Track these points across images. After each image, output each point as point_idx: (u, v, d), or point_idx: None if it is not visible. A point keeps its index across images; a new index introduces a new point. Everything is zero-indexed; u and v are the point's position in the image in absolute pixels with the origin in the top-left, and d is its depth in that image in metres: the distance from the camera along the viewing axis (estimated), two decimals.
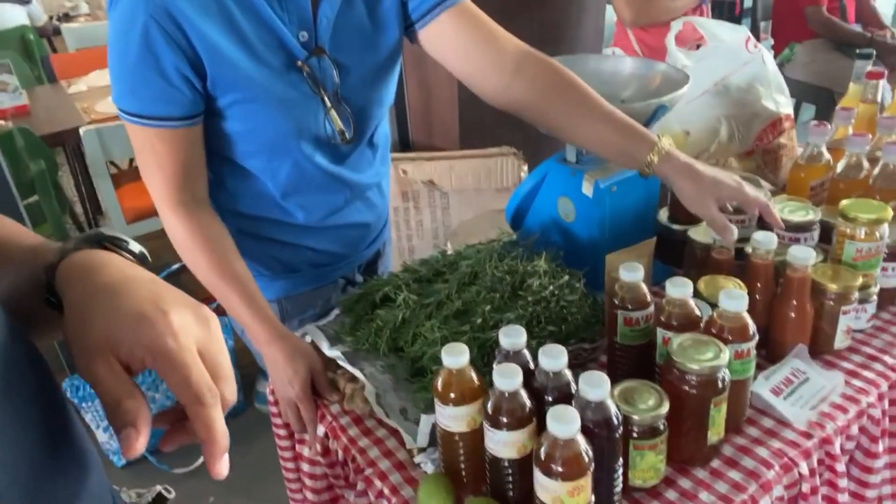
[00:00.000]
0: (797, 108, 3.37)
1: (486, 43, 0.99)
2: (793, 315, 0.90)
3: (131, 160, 2.93)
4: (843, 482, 0.84)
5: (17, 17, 3.84)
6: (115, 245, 0.53)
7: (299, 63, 0.94)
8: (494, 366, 0.71)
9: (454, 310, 0.96)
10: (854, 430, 0.86)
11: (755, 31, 3.21)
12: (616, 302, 0.87)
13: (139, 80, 0.88)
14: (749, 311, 0.80)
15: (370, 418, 0.92)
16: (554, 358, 0.71)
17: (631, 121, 0.96)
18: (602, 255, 1.07)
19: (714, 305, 0.87)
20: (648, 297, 0.86)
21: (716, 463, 0.79)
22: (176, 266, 1.93)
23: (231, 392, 0.46)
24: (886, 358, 0.94)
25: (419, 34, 1.02)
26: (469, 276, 1.01)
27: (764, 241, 0.91)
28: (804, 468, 0.79)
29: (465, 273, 1.01)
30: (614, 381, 0.93)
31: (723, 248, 0.97)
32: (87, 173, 2.83)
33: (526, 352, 0.77)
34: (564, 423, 0.61)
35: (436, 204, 2.19)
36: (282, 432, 1.04)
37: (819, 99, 3.03)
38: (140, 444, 0.41)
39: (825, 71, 2.96)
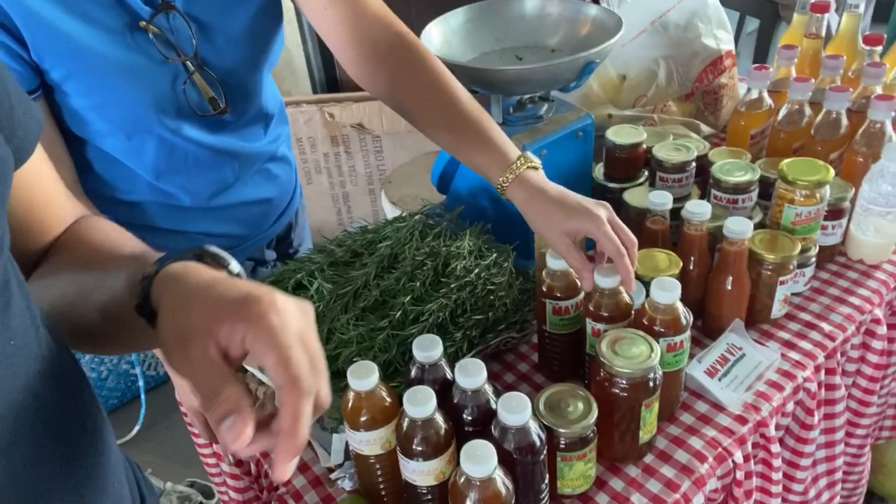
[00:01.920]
0: (741, 22, 3.28)
1: (356, 22, 0.84)
2: (729, 289, 0.86)
3: None
4: (777, 462, 0.82)
5: None
6: (216, 262, 0.50)
7: (143, 23, 0.78)
8: (405, 390, 0.63)
9: (372, 300, 0.87)
10: (789, 406, 0.84)
11: None
12: (544, 290, 0.80)
13: None
14: (683, 283, 0.74)
15: None
16: (472, 376, 0.64)
17: (492, 133, 0.82)
18: None
19: (647, 284, 0.81)
20: (578, 284, 0.79)
21: (649, 458, 0.76)
22: None
23: (326, 393, 0.42)
24: (823, 325, 0.90)
25: None
26: (388, 258, 0.92)
27: (697, 212, 0.85)
28: (738, 457, 0.76)
29: (384, 255, 0.92)
30: (545, 367, 0.89)
31: (658, 217, 0.91)
32: None
33: (443, 363, 0.70)
34: (479, 462, 0.55)
35: (368, 148, 2.06)
36: (197, 430, 0.97)
37: (763, 11, 2.93)
38: (249, 431, 0.38)
39: None
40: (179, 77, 0.83)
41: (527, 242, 0.99)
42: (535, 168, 0.81)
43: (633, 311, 0.77)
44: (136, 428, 1.89)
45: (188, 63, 0.82)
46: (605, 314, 0.75)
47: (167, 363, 0.45)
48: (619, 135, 1.06)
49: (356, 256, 0.96)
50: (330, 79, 2.20)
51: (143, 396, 1.85)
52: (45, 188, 0.54)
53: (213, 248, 0.51)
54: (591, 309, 0.77)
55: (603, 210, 0.76)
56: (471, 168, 0.85)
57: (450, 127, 0.84)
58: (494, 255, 0.92)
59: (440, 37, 1.02)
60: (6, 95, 0.46)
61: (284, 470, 0.40)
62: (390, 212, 1.76)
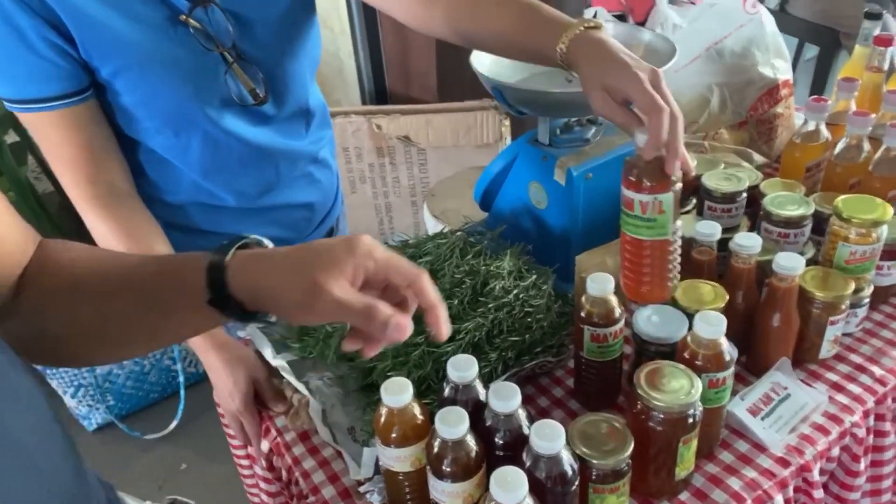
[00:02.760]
0: (799, 48, 3.20)
1: None
2: (777, 325, 0.83)
3: None
4: None
5: None
6: (260, 247, 0.58)
7: (183, 17, 0.81)
8: (438, 409, 0.63)
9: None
10: (835, 451, 0.80)
11: None
12: (583, 315, 0.79)
13: (9, 62, 0.77)
14: (728, 317, 0.72)
15: (317, 434, 0.85)
16: (505, 399, 0.64)
17: (551, 12, 0.78)
18: (575, 246, 0.99)
19: (691, 316, 0.79)
20: (617, 312, 0.78)
21: (684, 495, 0.74)
22: None
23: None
24: (874, 368, 0.87)
25: None
26: (428, 273, 0.92)
27: (746, 245, 0.83)
28: (779, 501, 0.74)
29: None
30: (580, 394, 0.87)
31: (704, 248, 0.89)
32: None
33: (478, 384, 0.69)
34: (509, 490, 0.55)
35: (412, 160, 2.08)
36: (232, 432, 0.98)
37: (823, 39, 2.86)
38: (410, 324, 0.53)
39: (831, 9, 2.79)
40: (220, 69, 0.86)
41: (567, 265, 0.98)
42: (597, 27, 0.75)
43: (675, 184, 0.72)
44: (175, 423, 1.92)
45: (227, 54, 0.86)
46: (648, 183, 0.71)
47: (297, 319, 0.52)
48: None
49: None
50: (379, 91, 2.22)
51: (182, 392, 1.89)
52: None
53: (254, 236, 0.57)
54: (632, 180, 0.72)
55: (647, 70, 0.70)
56: (532, 58, 0.82)
57: (505, 19, 0.80)
58: (534, 276, 0.91)
59: (489, 57, 1.02)
60: None
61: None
62: (432, 225, 1.77)
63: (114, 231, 0.85)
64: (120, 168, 0.87)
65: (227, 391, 0.86)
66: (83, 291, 0.54)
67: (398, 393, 0.65)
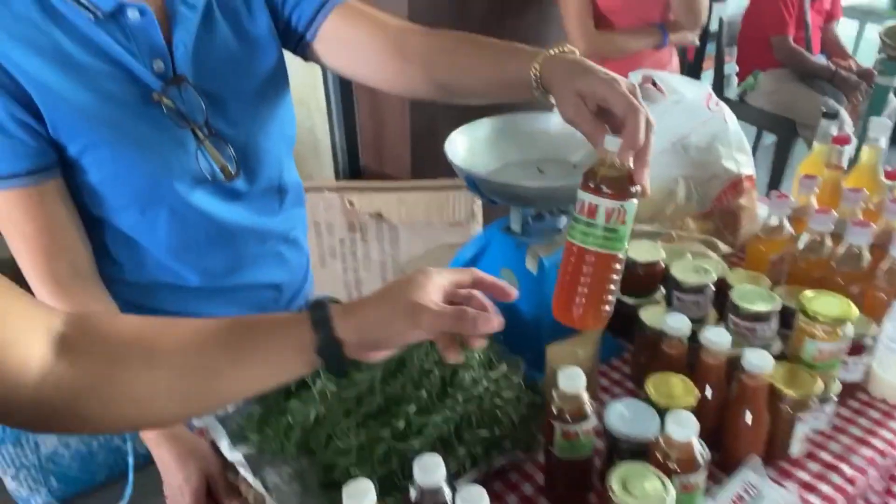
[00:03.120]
0: (758, 137, 3.35)
1: (375, 29, 0.91)
2: (747, 423, 0.82)
3: None
4: None
5: None
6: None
7: (155, 95, 0.81)
8: None
9: (375, 406, 0.85)
10: None
11: (720, 56, 3.17)
12: (554, 412, 0.77)
13: None
14: (699, 412, 0.72)
15: None
16: None
17: (519, 45, 0.81)
18: (546, 335, 0.98)
19: (661, 412, 0.78)
20: (589, 409, 0.76)
21: None
22: None
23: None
24: (844, 467, 0.86)
25: (313, 45, 0.94)
26: (396, 362, 0.90)
27: (715, 340, 0.83)
28: None
29: (391, 360, 0.90)
30: (551, 491, 0.85)
31: (675, 342, 0.89)
32: None
33: (445, 487, 0.66)
34: None
35: (384, 237, 2.08)
36: None
37: (781, 129, 3.01)
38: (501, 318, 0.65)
39: (788, 101, 2.94)
40: (191, 145, 0.85)
41: (538, 353, 0.97)
42: (571, 52, 0.77)
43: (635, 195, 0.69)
44: None
45: (198, 131, 0.85)
46: (611, 191, 0.68)
47: (406, 338, 0.62)
48: (638, 251, 1.06)
49: None
50: (353, 167, 2.25)
51: (130, 475, 1.78)
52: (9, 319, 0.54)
53: (330, 295, 0.66)
54: (595, 186, 0.68)
55: (623, 80, 0.70)
56: (510, 91, 0.82)
57: (483, 59, 0.84)
58: (504, 366, 0.90)
59: (464, 145, 1.04)
60: None
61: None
62: None
63: None
64: (82, 248, 0.85)
65: (177, 486, 0.82)
66: (158, 354, 0.59)
67: (360, 499, 0.62)
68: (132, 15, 0.79)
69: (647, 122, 0.68)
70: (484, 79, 0.86)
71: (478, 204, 2.03)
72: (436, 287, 0.63)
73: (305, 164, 2.43)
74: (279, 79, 0.96)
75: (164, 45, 0.82)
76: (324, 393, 0.86)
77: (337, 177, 2.26)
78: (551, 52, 0.76)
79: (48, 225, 0.81)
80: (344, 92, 2.10)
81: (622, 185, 0.69)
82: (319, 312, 0.61)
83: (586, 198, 0.69)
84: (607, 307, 0.74)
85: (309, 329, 0.60)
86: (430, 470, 0.65)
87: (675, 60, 2.07)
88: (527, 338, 1.00)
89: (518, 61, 0.78)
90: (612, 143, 0.68)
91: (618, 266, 0.73)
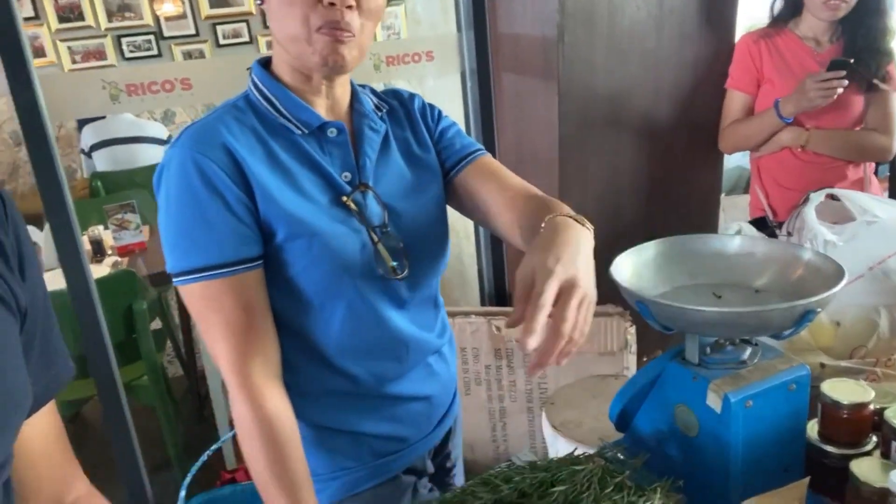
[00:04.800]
0: None
1: (505, 188, 1.00)
2: None
3: None
4: None
5: (156, 156, 4.21)
6: None
7: (345, 198, 0.93)
8: None
9: None
10: None
11: None
12: None
13: (207, 227, 0.85)
14: None
15: None
16: None
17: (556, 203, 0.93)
18: (735, 484, 0.85)
19: None
20: None
21: None
22: None
23: None
24: None
25: (454, 184, 1.05)
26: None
27: None
28: None
29: (557, 503, 0.81)
30: None
31: None
32: None
33: None
34: None
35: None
36: None
37: None
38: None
39: None
40: (368, 245, 0.94)
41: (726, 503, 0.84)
42: (580, 221, 0.85)
43: None
44: None
45: (373, 233, 0.95)
46: None
47: None
48: (839, 391, 0.91)
49: (524, 497, 0.86)
50: (499, 293, 2.24)
51: None
52: (48, 446, 0.61)
53: None
54: None
55: (560, 273, 0.73)
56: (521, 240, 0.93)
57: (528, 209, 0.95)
58: None
59: (630, 268, 0.99)
60: (33, 340, 0.54)
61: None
62: (550, 435, 1.64)
63: (257, 420, 0.87)
64: (274, 346, 0.91)
65: None
66: None
67: None
68: (331, 132, 0.94)
69: (557, 333, 0.75)
70: (527, 232, 0.93)
71: (631, 332, 1.93)
72: None
73: (451, 289, 2.47)
74: (442, 204, 1.05)
75: (353, 158, 0.96)
76: None
77: (482, 303, 2.26)
78: (556, 214, 0.86)
79: (253, 315, 0.88)
80: None
81: None
82: None
83: None
84: None
85: None
86: None
87: (875, 182, 1.91)
88: (711, 484, 0.87)
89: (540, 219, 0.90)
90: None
91: None
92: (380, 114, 1.02)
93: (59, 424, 0.63)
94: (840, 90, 1.62)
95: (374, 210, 0.96)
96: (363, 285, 0.95)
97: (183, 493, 1.78)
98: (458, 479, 1.21)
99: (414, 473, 1.07)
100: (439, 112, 1.09)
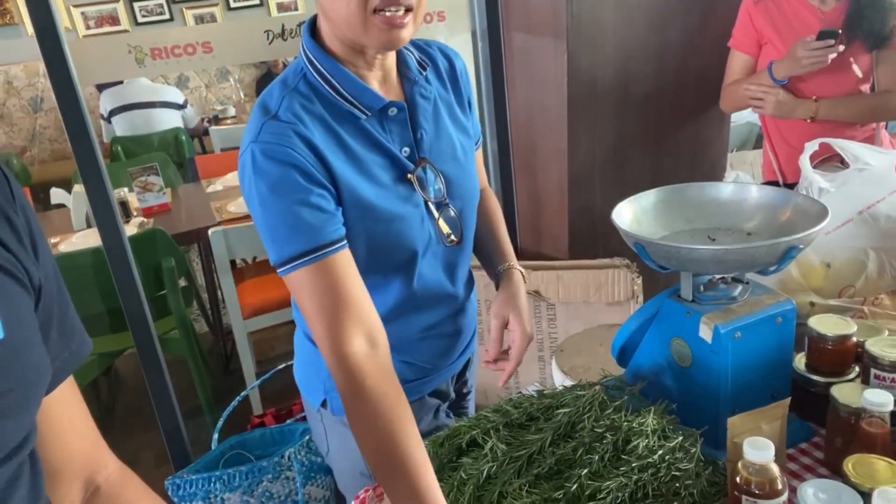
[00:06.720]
0: None
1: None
2: None
3: (254, 258, 3.09)
4: None
5: (172, 119, 4.29)
6: None
7: (409, 175, 0.97)
8: None
9: (546, 467, 0.85)
10: None
11: None
12: (739, 482, 0.73)
13: (306, 214, 0.86)
14: None
15: None
16: None
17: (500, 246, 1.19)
18: (725, 409, 0.94)
19: (864, 494, 0.71)
20: (780, 483, 0.71)
21: None
22: (281, 366, 1.95)
23: None
24: None
25: None
26: (566, 426, 0.91)
27: None
28: None
29: (561, 423, 0.90)
30: None
31: (875, 419, 0.81)
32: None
33: None
34: None
35: (541, 315, 2.10)
36: None
37: None
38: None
39: None
40: (427, 218, 1.00)
41: (715, 428, 0.92)
42: (520, 271, 1.16)
43: None
44: None
45: (431, 205, 1.01)
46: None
47: None
48: (825, 325, 0.99)
49: (532, 420, 0.95)
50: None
51: None
52: (72, 419, 0.62)
53: None
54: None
55: (501, 314, 1.09)
56: (484, 254, 1.20)
57: (485, 228, 1.19)
58: (680, 437, 0.87)
59: (630, 214, 1.06)
60: (50, 319, 0.55)
61: None
62: (560, 380, 1.73)
63: (358, 402, 0.84)
64: (374, 312, 0.90)
65: None
66: None
67: None
68: (392, 112, 0.96)
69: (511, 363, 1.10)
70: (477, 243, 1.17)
71: (638, 283, 2.00)
72: None
73: None
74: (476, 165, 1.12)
75: (411, 133, 0.98)
76: (494, 451, 0.88)
77: None
78: (509, 269, 1.15)
79: (356, 286, 0.89)
80: (503, 174, 2.21)
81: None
82: None
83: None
84: None
85: None
86: None
87: (886, 137, 1.88)
88: (702, 411, 0.96)
89: (494, 262, 1.18)
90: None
91: None
92: (424, 73, 1.01)
93: (81, 400, 0.63)
94: (833, 55, 1.63)
95: (433, 184, 1.00)
96: (425, 257, 1.01)
97: (216, 435, 1.91)
98: (471, 409, 1.32)
99: (438, 397, 1.17)
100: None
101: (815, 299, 1.12)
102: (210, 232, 2.35)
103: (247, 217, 2.54)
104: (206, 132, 4.81)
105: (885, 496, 0.63)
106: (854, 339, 0.99)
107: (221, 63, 1.76)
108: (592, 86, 1.95)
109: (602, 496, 0.79)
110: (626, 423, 0.87)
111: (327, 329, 0.86)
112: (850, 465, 0.76)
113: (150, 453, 2.42)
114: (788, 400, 0.86)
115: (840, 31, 1.62)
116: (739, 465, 0.73)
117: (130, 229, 2.50)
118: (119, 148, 4.00)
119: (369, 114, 0.93)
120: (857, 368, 1.00)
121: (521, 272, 1.15)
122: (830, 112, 1.74)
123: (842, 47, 1.62)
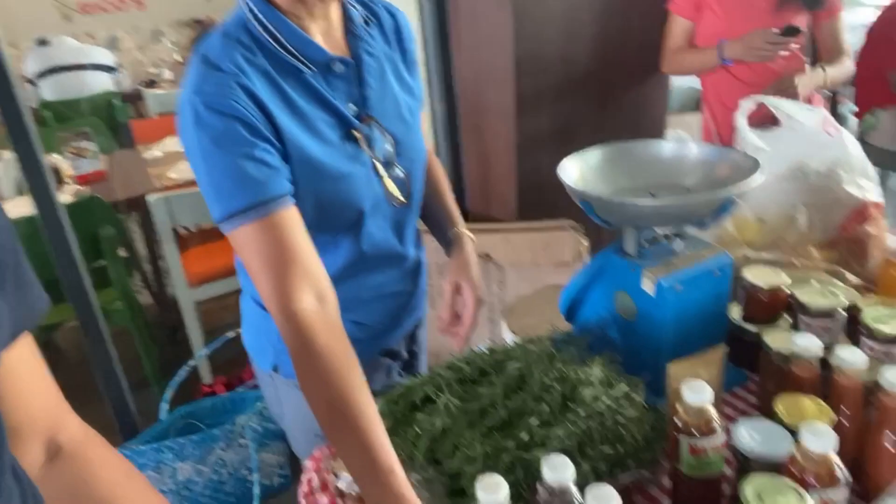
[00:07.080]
0: (883, 178, 3.16)
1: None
2: (890, 448, 0.78)
3: (198, 225, 3.00)
4: None
5: (102, 83, 4.08)
6: None
7: (356, 133, 0.95)
8: None
9: (499, 419, 0.88)
10: None
11: (833, 96, 3.05)
12: (679, 425, 0.77)
13: (251, 168, 0.84)
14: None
15: None
16: (605, 502, 0.62)
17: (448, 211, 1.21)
18: (665, 357, 0.97)
19: (794, 433, 0.76)
20: (716, 424, 0.76)
21: None
22: (231, 334, 1.92)
23: None
24: None
25: None
26: (516, 379, 0.93)
27: (850, 360, 0.80)
28: None
29: (512, 377, 0.93)
30: None
31: (804, 363, 0.86)
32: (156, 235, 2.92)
33: (573, 490, 0.68)
34: None
35: (491, 277, 2.12)
36: None
37: None
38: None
39: None
40: (375, 176, 0.99)
41: (657, 377, 0.96)
42: (469, 236, 1.19)
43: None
44: None
45: (378, 163, 0.99)
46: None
47: None
48: (759, 276, 1.04)
49: (484, 375, 0.97)
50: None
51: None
52: (32, 377, 0.61)
53: None
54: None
55: (454, 281, 1.14)
56: (433, 220, 1.21)
57: (434, 195, 1.20)
58: (624, 386, 0.90)
59: (576, 171, 1.08)
60: (6, 270, 0.54)
61: None
62: (510, 340, 1.77)
63: (306, 358, 0.82)
64: (323, 270, 0.88)
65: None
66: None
67: (493, 491, 0.64)
68: (337, 68, 0.94)
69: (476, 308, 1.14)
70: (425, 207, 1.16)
71: (584, 244, 2.04)
72: None
73: None
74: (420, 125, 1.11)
75: (357, 92, 0.96)
76: (448, 406, 0.90)
77: None
78: (459, 234, 1.18)
79: (305, 241, 0.86)
80: (451, 136, 2.21)
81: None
82: None
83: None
84: None
85: None
86: (559, 469, 0.67)
87: (817, 95, 1.98)
88: (645, 361, 1.00)
89: (443, 228, 1.20)
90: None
91: None
92: (368, 29, 1.00)
93: (41, 360, 0.62)
94: (785, 53, 1.71)
95: (381, 143, 0.99)
96: (372, 213, 1.00)
97: (165, 405, 1.88)
98: (423, 369, 1.34)
99: (390, 357, 1.18)
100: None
101: (749, 253, 1.18)
102: (150, 199, 2.28)
103: (189, 184, 2.46)
104: (140, 96, 4.61)
105: (811, 429, 0.68)
106: (785, 289, 1.04)
107: (152, 18, 1.68)
108: (538, 46, 1.95)
109: (552, 443, 0.82)
110: (573, 374, 0.90)
111: (275, 286, 0.83)
112: (780, 404, 0.82)
113: (96, 426, 2.36)
114: (723, 345, 0.91)
115: (804, 29, 1.70)
116: (678, 407, 0.77)
117: (65, 197, 2.39)
118: (49, 113, 3.80)
119: (314, 68, 0.92)
120: (787, 317, 1.06)
121: (471, 237, 1.17)
122: (811, 86, 1.82)
123: (795, 46, 1.70)
